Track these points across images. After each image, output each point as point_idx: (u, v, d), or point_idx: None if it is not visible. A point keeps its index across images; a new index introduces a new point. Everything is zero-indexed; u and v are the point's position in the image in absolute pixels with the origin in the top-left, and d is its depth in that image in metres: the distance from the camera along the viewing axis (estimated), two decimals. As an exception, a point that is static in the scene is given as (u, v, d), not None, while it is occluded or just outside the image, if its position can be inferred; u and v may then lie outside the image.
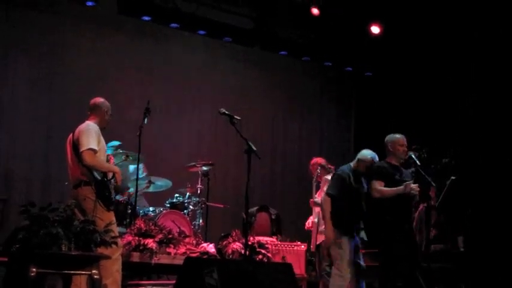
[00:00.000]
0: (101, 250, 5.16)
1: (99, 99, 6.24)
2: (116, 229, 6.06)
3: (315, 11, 10.10)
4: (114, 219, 5.97)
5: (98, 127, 6.01)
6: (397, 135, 6.68)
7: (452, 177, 6.51)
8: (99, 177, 5.84)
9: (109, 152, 7.03)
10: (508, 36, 8.97)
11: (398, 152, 6.59)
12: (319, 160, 7.96)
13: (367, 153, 6.71)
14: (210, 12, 10.08)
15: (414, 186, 6.30)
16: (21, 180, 8.72)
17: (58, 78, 9.29)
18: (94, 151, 5.81)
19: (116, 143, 7.91)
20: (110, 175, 5.95)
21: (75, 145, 5.87)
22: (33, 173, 8.86)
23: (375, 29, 10.41)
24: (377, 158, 6.66)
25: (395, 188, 6.34)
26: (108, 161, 6.32)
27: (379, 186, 6.43)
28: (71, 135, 6.02)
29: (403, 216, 6.44)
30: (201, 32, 10.29)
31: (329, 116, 11.92)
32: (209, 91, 10.57)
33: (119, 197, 7.50)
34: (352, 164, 6.76)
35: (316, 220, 7.61)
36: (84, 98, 8.85)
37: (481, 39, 9.35)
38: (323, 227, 7.17)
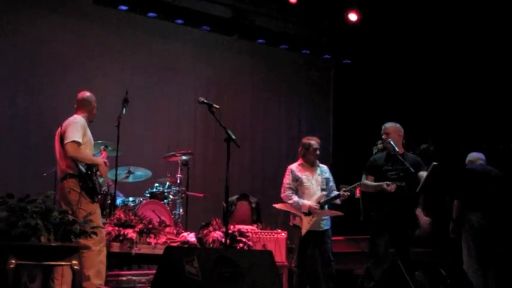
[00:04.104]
0: (84, 241, 5.15)
1: (87, 93, 6.27)
2: (100, 220, 6.10)
3: (293, -2, 10.10)
4: (98, 210, 6.04)
5: (84, 121, 6.06)
6: (384, 124, 6.91)
7: (434, 163, 6.53)
8: (83, 170, 5.88)
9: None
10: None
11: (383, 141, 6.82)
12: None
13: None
14: (188, 1, 10.03)
15: (387, 186, 6.55)
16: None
17: (34, 71, 9.20)
18: (78, 143, 5.86)
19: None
20: (95, 168, 5.99)
21: (62, 138, 5.91)
22: (11, 166, 8.78)
23: (353, 16, 10.43)
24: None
25: (373, 184, 6.72)
26: (98, 154, 6.35)
27: (364, 180, 6.83)
28: (59, 128, 6.04)
29: (384, 205, 6.63)
30: (179, 21, 10.24)
31: (308, 104, 11.95)
32: (188, 80, 10.55)
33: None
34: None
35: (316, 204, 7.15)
36: (61, 90, 8.90)
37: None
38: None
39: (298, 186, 7.23)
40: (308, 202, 7.11)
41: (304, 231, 7.09)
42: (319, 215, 7.09)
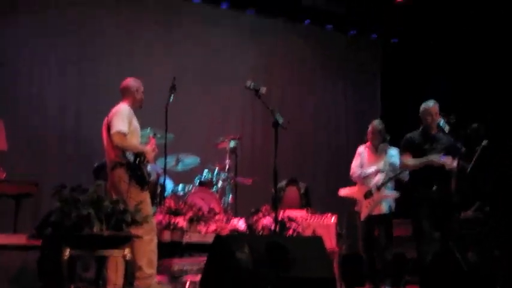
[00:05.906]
0: (135, 230, 5.19)
1: (127, 81, 6.21)
2: (150, 209, 6.08)
3: (339, -22, 9.98)
4: (148, 199, 6.01)
5: (130, 109, 6.01)
6: (427, 104, 6.67)
7: (484, 142, 6.39)
8: (131, 159, 5.87)
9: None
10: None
11: (426, 121, 6.62)
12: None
13: None
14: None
15: (436, 159, 6.39)
16: (53, 163, 8.81)
17: (86, 59, 9.35)
18: (123, 133, 5.82)
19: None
20: (143, 156, 5.96)
21: (109, 127, 5.91)
22: (64, 155, 8.95)
23: (400, -5, 10.28)
24: None
25: (420, 160, 6.51)
26: (148, 142, 6.27)
27: (404, 159, 6.68)
28: (106, 118, 6.03)
29: (430, 185, 6.48)
30: (224, 6, 10.23)
31: (355, 85, 11.83)
32: (234, 64, 10.50)
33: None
34: None
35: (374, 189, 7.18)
36: (111, 78, 8.98)
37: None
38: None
39: (361, 168, 7.34)
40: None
41: (363, 216, 7.14)
42: (377, 198, 7.10)
